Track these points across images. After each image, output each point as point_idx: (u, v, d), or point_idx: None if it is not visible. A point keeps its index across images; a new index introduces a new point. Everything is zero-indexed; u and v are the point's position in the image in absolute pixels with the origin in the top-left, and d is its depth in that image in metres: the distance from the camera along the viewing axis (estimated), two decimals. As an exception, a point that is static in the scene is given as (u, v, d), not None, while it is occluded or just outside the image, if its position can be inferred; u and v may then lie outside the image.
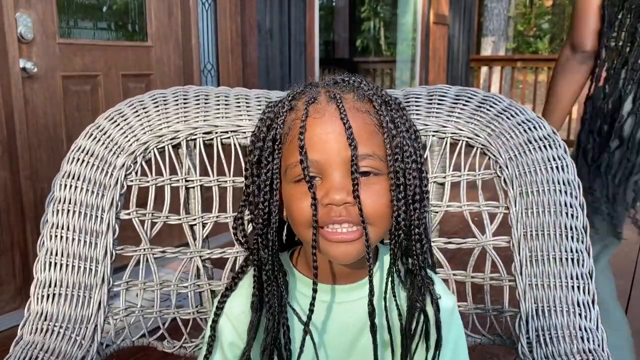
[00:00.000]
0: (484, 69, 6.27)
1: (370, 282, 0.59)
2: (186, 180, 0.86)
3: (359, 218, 0.56)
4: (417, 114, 0.84)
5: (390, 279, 0.61)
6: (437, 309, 0.61)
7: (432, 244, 0.83)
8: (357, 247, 0.58)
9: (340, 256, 0.59)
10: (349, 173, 0.57)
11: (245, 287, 0.66)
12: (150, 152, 0.84)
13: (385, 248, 0.66)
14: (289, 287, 0.65)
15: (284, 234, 0.72)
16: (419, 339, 0.62)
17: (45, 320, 0.77)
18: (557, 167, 0.78)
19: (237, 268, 0.70)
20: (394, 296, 0.62)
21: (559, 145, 0.78)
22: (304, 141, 0.57)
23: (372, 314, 0.60)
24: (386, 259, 0.64)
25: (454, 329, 0.66)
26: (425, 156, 0.85)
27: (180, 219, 0.86)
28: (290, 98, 0.63)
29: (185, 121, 0.85)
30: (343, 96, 0.60)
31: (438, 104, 0.84)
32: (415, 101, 0.85)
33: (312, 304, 0.60)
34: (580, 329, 0.73)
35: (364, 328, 0.63)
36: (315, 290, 0.60)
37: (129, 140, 0.84)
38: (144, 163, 0.84)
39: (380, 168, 0.59)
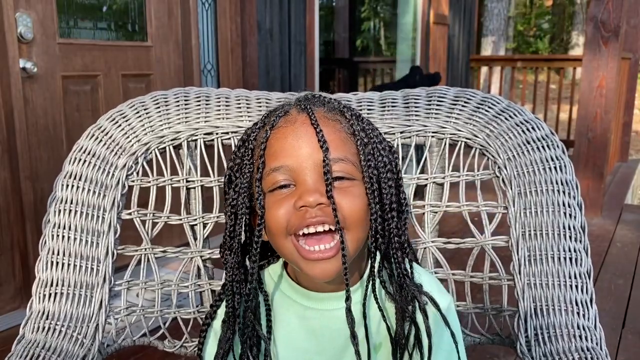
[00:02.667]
0: (484, 69, 6.27)
1: (347, 293, 0.59)
2: (187, 181, 0.86)
3: (334, 219, 0.56)
4: (417, 115, 0.85)
5: (370, 285, 0.61)
6: (425, 316, 0.61)
7: (432, 244, 0.84)
8: (335, 264, 0.58)
9: (319, 275, 0.59)
10: (322, 177, 0.57)
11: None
12: (151, 152, 0.85)
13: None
14: (280, 294, 0.66)
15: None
16: (413, 348, 0.62)
17: (47, 319, 0.77)
18: (555, 168, 0.78)
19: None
20: (377, 301, 0.62)
21: (557, 146, 0.79)
22: (264, 156, 0.59)
23: (351, 324, 0.59)
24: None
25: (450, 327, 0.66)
26: (424, 156, 0.85)
27: (181, 219, 0.86)
28: (263, 117, 0.65)
29: (186, 122, 0.86)
30: (314, 108, 0.62)
31: (437, 105, 0.85)
32: (415, 102, 0.86)
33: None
34: (578, 328, 0.74)
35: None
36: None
37: (130, 141, 0.84)
38: (145, 163, 0.85)
39: (354, 173, 0.60)
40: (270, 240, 0.62)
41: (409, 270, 0.63)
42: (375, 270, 0.61)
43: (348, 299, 0.59)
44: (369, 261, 0.64)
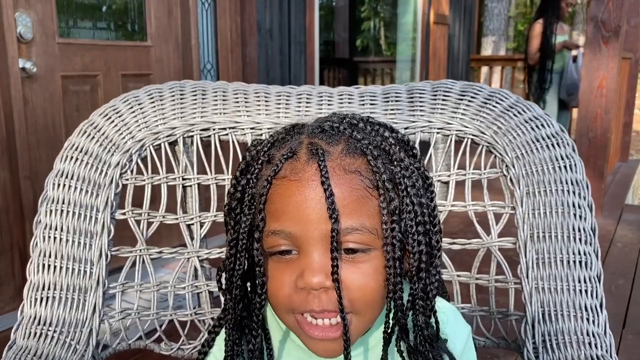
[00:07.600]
0: (485, 69, 6.28)
1: None
2: (183, 179, 0.84)
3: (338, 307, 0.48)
4: (421, 110, 0.82)
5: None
6: None
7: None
8: (340, 344, 0.49)
9: (322, 355, 0.52)
10: (329, 250, 0.47)
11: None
12: (146, 149, 0.83)
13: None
14: (284, 336, 0.59)
15: None
16: None
17: (39, 324, 0.75)
18: (565, 167, 0.76)
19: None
20: None
21: (567, 144, 0.76)
22: (264, 211, 0.49)
23: None
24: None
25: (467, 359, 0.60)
26: (429, 153, 0.83)
27: (177, 219, 0.84)
28: (268, 146, 0.52)
29: (182, 117, 0.84)
30: (329, 150, 0.49)
31: (443, 100, 0.82)
32: (420, 97, 0.83)
33: None
34: (587, 334, 0.71)
35: None
36: None
37: (124, 138, 0.82)
38: (139, 161, 0.83)
39: (371, 243, 0.49)
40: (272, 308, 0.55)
41: (435, 326, 0.54)
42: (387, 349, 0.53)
43: None
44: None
